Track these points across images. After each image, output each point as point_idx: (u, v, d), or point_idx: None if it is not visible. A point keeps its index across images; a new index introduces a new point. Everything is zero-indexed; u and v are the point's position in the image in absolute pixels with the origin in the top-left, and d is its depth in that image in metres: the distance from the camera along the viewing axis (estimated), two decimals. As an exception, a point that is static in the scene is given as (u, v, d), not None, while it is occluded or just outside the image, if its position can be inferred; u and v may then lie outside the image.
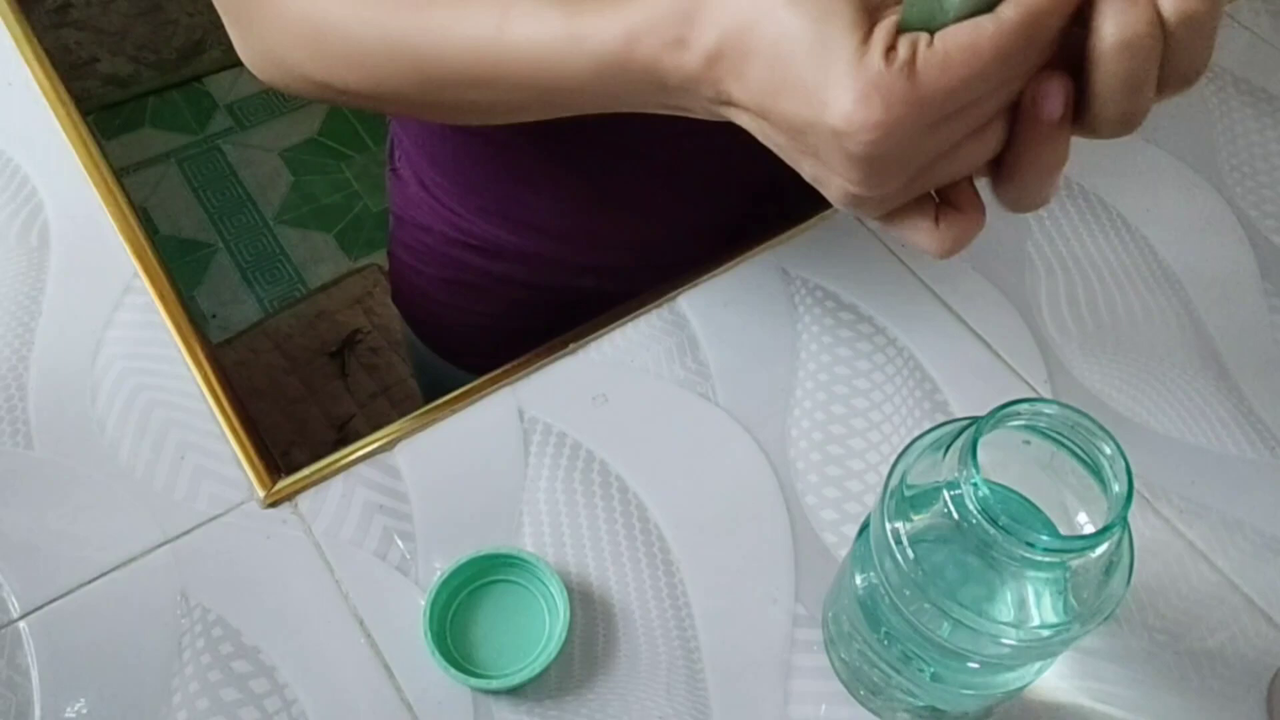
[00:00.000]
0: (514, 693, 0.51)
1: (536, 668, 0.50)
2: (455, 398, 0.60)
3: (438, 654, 0.50)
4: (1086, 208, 0.70)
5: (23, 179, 0.67)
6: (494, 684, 0.50)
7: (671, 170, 0.66)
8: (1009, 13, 0.33)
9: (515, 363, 0.61)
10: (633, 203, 0.68)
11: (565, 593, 0.52)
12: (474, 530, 0.55)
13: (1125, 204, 0.70)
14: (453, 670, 0.50)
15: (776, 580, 0.55)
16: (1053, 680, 0.52)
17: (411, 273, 0.79)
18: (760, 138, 0.38)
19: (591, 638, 0.53)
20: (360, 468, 0.57)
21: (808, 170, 0.37)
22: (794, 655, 0.53)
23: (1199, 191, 0.71)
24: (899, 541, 0.40)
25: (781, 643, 0.53)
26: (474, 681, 0.50)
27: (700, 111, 0.39)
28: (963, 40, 0.33)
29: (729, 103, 0.37)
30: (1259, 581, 0.56)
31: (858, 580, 0.46)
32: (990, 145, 0.36)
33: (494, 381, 0.60)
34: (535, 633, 0.52)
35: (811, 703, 0.51)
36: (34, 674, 0.51)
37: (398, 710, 0.50)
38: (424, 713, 0.50)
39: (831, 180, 0.36)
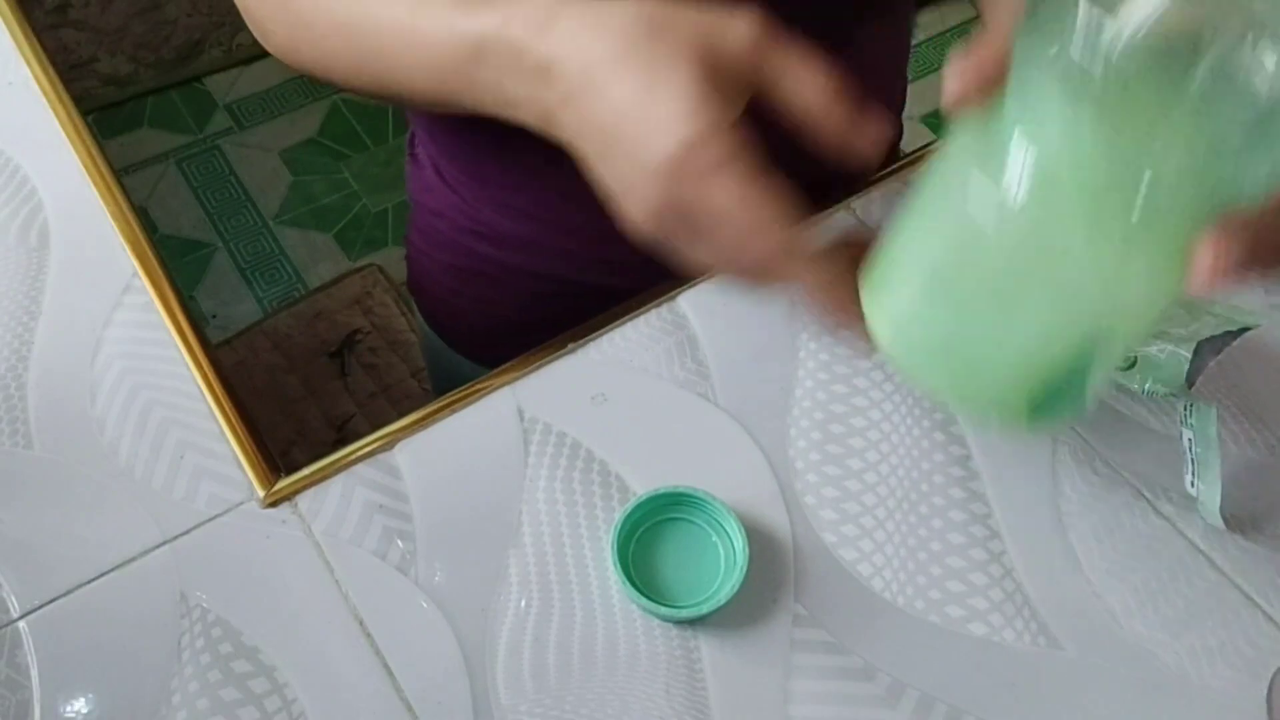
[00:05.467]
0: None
1: (722, 598, 0.51)
2: (455, 398, 0.60)
3: (631, 586, 0.51)
4: (1086, 207, 0.70)
5: (22, 179, 0.67)
6: (684, 613, 0.51)
7: None
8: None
9: (514, 362, 0.61)
10: None
11: (740, 526, 0.53)
12: (474, 530, 0.55)
13: (1125, 203, 0.70)
14: (645, 600, 0.51)
15: (776, 580, 0.55)
16: (1053, 679, 0.52)
17: (424, 259, 0.80)
18: (566, 128, 0.42)
19: (591, 637, 0.53)
20: (360, 467, 0.57)
21: (612, 177, 0.42)
22: (794, 655, 0.53)
23: (1198, 191, 0.71)
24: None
25: (781, 643, 0.53)
26: (665, 610, 0.51)
27: (525, 97, 0.43)
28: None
29: (560, 103, 0.42)
30: (1259, 580, 0.56)
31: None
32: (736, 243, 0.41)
33: (493, 381, 0.60)
34: (712, 566, 0.53)
35: (811, 703, 0.51)
36: (34, 674, 0.51)
37: (398, 710, 0.50)
38: (424, 713, 0.50)
39: (632, 189, 0.41)
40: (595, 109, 0.40)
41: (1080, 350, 0.39)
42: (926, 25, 2.20)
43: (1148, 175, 0.33)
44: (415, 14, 0.46)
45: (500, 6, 0.43)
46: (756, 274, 0.42)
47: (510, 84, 0.43)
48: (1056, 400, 0.41)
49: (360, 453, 0.58)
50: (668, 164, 0.38)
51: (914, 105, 2.15)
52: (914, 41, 2.22)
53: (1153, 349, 0.54)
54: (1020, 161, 0.35)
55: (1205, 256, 0.34)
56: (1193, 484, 0.56)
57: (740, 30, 0.41)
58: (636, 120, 0.39)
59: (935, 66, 2.12)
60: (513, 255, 0.73)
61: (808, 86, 0.41)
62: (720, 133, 0.38)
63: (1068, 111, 0.34)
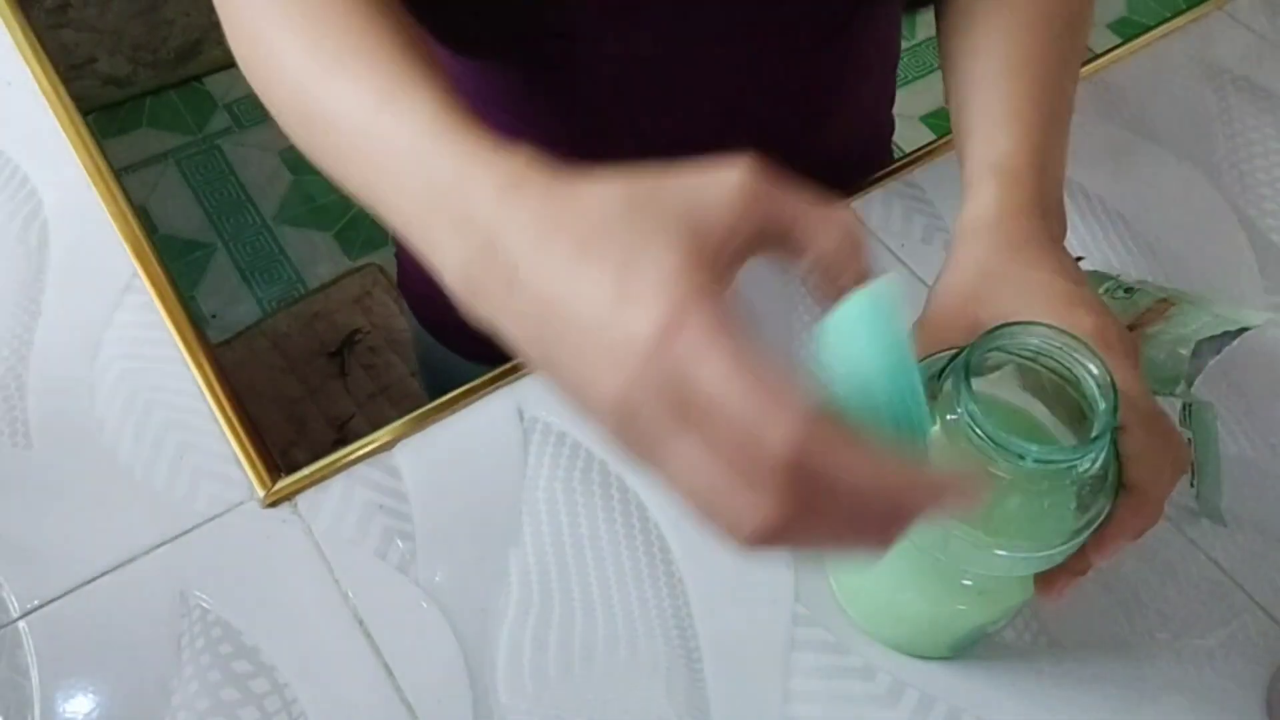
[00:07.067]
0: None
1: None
2: (455, 398, 0.60)
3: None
4: (1086, 207, 0.70)
5: (22, 179, 0.67)
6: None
7: (669, 149, 0.66)
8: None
9: (515, 362, 0.61)
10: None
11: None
12: (474, 530, 0.55)
13: (1124, 203, 0.70)
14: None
15: (776, 580, 0.55)
16: (1052, 676, 0.52)
17: (411, 253, 0.80)
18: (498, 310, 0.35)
19: (592, 637, 0.53)
20: (360, 468, 0.57)
21: (568, 369, 0.33)
22: (794, 655, 0.53)
23: (1198, 190, 0.71)
24: None
25: (781, 643, 0.53)
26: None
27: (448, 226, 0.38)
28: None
29: (496, 228, 0.35)
30: (1259, 579, 0.56)
31: None
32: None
33: (494, 381, 0.60)
34: None
35: (811, 702, 0.51)
36: (34, 674, 0.50)
37: (398, 710, 0.50)
38: (424, 713, 0.50)
39: (589, 380, 0.32)
40: (548, 292, 0.34)
41: (955, 626, 0.50)
42: (927, 25, 2.20)
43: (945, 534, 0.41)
44: (380, 113, 0.41)
45: (468, 152, 0.38)
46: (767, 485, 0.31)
47: (444, 237, 0.38)
48: (967, 645, 0.52)
49: (360, 453, 0.58)
50: (641, 345, 0.31)
51: (914, 105, 2.15)
52: (914, 41, 2.23)
53: (1153, 349, 0.54)
54: None
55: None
56: (1193, 484, 0.56)
57: (726, 192, 0.35)
58: (601, 302, 0.32)
59: (934, 66, 2.12)
60: None
61: (822, 236, 0.36)
62: (707, 301, 0.32)
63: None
